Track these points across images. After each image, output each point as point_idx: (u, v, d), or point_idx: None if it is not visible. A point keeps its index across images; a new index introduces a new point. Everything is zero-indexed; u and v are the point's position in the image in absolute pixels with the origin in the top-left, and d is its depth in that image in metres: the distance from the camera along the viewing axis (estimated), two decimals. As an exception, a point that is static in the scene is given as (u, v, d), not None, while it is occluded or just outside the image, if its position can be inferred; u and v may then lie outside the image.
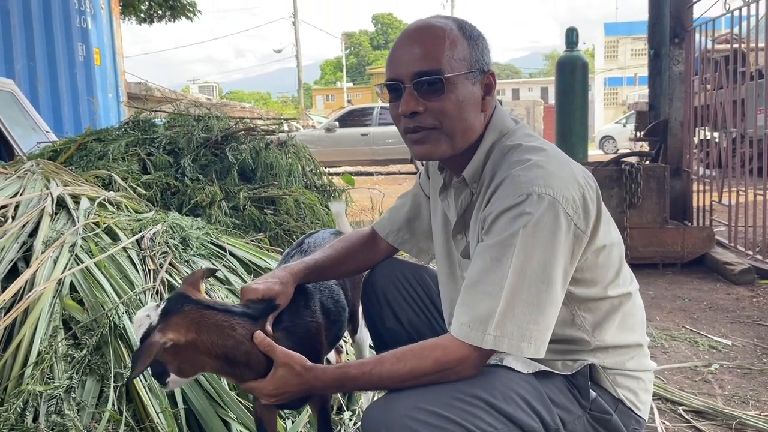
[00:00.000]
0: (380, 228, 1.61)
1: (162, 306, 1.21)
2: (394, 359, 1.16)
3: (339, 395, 2.00)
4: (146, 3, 14.46)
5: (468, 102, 1.22)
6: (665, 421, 2.05)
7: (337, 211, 2.12)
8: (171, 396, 1.70)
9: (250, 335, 1.24)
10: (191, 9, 15.01)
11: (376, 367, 1.16)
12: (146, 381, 1.69)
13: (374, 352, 1.76)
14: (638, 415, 1.31)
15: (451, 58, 1.20)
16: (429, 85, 1.19)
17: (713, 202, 4.58)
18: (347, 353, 2.22)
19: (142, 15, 14.69)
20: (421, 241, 1.58)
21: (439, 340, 1.17)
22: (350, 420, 1.94)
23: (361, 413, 1.94)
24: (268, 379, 1.21)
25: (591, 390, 1.24)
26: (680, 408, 2.13)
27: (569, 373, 1.24)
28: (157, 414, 1.62)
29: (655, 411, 2.08)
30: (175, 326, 1.17)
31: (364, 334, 1.87)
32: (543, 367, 1.22)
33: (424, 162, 1.48)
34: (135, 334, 1.21)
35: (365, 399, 1.95)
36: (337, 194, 4.73)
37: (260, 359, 1.23)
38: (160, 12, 14.76)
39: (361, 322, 1.82)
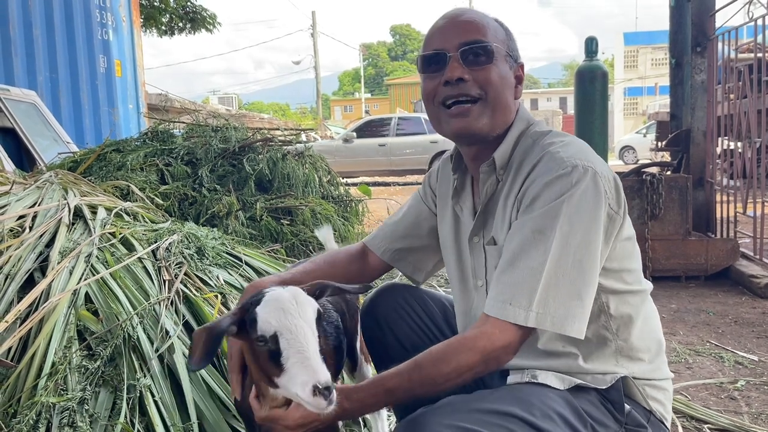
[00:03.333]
0: (374, 245, 1.54)
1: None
2: (433, 360, 1.08)
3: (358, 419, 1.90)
4: (167, 15, 14.65)
5: (507, 80, 1.26)
6: (690, 440, 1.98)
7: (324, 237, 2.00)
8: (183, 407, 1.68)
9: None
10: (211, 21, 15.18)
11: (414, 372, 1.07)
12: (158, 394, 1.67)
13: None
14: (666, 426, 1.28)
15: (494, 36, 1.24)
16: (476, 54, 1.22)
17: (737, 214, 4.49)
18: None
19: (163, 27, 14.89)
20: (418, 258, 1.53)
21: (477, 329, 1.11)
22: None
23: None
24: (294, 407, 1.04)
25: (625, 404, 1.21)
26: (706, 426, 2.07)
27: (602, 387, 1.20)
28: (168, 427, 1.60)
29: (680, 429, 2.02)
30: None
31: (365, 371, 1.75)
32: (578, 381, 1.19)
33: (428, 175, 1.51)
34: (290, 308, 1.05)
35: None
36: (353, 204, 4.72)
37: None
38: (180, 24, 14.95)
39: (360, 357, 1.72)
